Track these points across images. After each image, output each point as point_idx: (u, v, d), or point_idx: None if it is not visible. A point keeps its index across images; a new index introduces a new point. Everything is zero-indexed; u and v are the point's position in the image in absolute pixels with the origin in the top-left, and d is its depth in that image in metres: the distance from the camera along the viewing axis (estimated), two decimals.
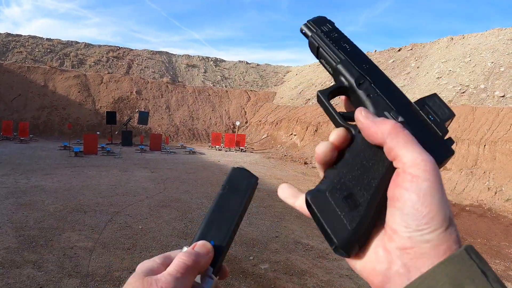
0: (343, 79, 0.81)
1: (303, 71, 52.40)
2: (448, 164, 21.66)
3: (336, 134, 0.76)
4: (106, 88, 40.58)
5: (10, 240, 9.37)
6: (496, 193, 18.64)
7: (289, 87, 49.59)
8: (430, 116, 0.73)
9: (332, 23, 0.89)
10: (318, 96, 0.82)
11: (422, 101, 0.75)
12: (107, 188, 15.99)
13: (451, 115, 0.74)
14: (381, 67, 21.51)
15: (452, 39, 34.56)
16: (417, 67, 33.78)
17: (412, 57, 36.28)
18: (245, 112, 46.00)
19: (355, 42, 0.86)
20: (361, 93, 0.78)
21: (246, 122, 44.54)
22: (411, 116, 0.73)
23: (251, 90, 49.67)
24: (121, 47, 47.74)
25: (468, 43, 32.03)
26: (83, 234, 10.14)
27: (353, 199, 0.69)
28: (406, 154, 0.63)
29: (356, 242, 0.67)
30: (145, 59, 47.77)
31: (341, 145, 0.76)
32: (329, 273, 9.14)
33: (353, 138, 0.75)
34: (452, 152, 0.69)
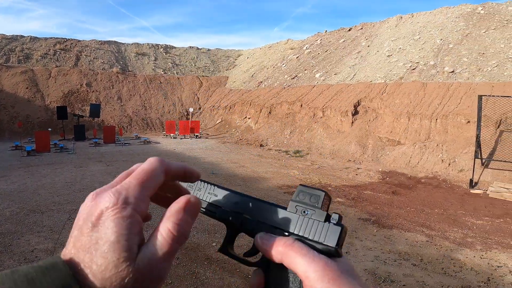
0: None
1: (254, 54, 52.37)
2: (402, 139, 22.08)
3: (251, 280, 0.83)
4: (55, 82, 39.76)
5: None
6: (449, 164, 19.07)
7: (241, 70, 49.52)
8: (306, 211, 0.79)
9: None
10: (221, 252, 0.93)
11: (293, 203, 0.82)
12: (63, 185, 15.76)
13: (320, 195, 0.80)
14: (332, 47, 21.90)
15: (401, 17, 35.04)
16: (368, 46, 34.12)
17: (362, 37, 36.62)
18: (198, 98, 45.77)
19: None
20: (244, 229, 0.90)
21: (200, 108, 44.33)
22: (291, 225, 0.80)
23: (203, 76, 49.42)
24: (68, 39, 46.81)
25: (417, 22, 32.52)
26: (43, 236, 10.00)
27: None
28: (299, 269, 0.70)
29: None
30: (94, 50, 46.95)
31: (261, 281, 0.81)
32: None
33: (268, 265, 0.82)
34: (340, 228, 0.75)
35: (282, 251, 0.74)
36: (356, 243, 10.17)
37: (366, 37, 35.92)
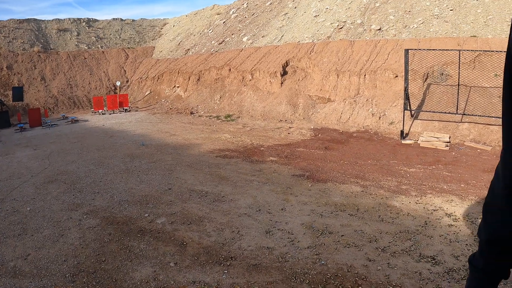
0: None
1: (180, 21, 51.65)
2: (331, 96, 22.23)
3: None
4: None
5: None
6: (380, 118, 19.31)
7: (167, 39, 48.80)
8: None
9: None
10: None
11: None
12: None
13: None
14: (259, 10, 21.71)
15: None
16: (295, 8, 33.96)
17: None
18: (125, 71, 44.83)
19: None
20: None
21: (127, 81, 43.47)
22: None
23: (129, 48, 48.41)
24: None
25: None
26: None
27: None
28: None
29: None
30: (12, 30, 45.08)
31: None
32: (227, 215, 9.12)
33: None
34: None
35: None
36: (291, 199, 10.06)
37: None
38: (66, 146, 19.75)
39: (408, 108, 17.87)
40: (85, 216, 9.64)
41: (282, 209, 9.37)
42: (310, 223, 8.47)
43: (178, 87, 34.55)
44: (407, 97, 17.65)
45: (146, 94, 38.39)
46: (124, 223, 9.02)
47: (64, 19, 50.10)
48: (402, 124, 17.61)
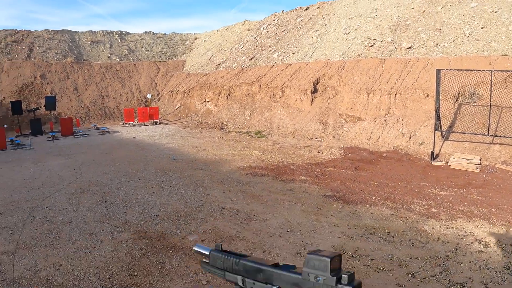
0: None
1: (211, 36, 52.02)
2: (362, 115, 22.19)
3: None
4: (8, 76, 38.74)
5: None
6: (410, 138, 19.26)
7: (198, 54, 49.15)
8: (318, 278, 0.93)
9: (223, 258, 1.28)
10: None
11: (305, 271, 0.96)
12: (21, 183, 15.33)
13: (327, 261, 0.92)
14: (289, 27, 21.83)
15: None
16: (325, 25, 34.06)
17: (319, 15, 36.55)
18: (156, 84, 45.29)
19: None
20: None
21: (158, 94, 43.91)
22: None
23: (160, 61, 48.89)
24: (20, 30, 45.61)
25: None
26: (2, 237, 9.66)
27: None
28: None
29: None
30: (47, 40, 45.90)
31: None
32: (258, 234, 9.21)
33: None
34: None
35: None
36: (322, 220, 10.14)
37: (324, 16, 35.86)
38: (97, 157, 20.10)
39: (439, 129, 17.79)
40: (117, 229, 9.85)
41: (313, 230, 9.46)
42: (341, 246, 8.54)
43: (208, 101, 34.81)
44: (438, 118, 17.59)
45: (176, 107, 38.73)
46: (156, 238, 9.18)
47: (97, 31, 50.83)
48: (432, 145, 17.52)
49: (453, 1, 26.11)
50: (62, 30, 48.66)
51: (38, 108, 33.77)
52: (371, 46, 26.72)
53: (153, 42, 53.14)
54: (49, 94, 37.28)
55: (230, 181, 14.24)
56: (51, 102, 33.47)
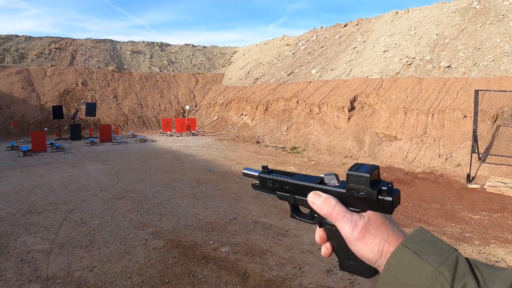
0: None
1: (250, 50, 52.32)
2: (398, 134, 22.06)
3: (316, 236, 1.21)
4: (51, 81, 39.58)
5: None
6: (446, 159, 19.07)
7: (236, 67, 49.47)
8: (360, 192, 1.05)
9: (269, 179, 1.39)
10: (292, 218, 1.31)
11: (348, 187, 1.09)
12: (59, 185, 15.75)
13: (366, 176, 1.04)
14: (328, 43, 21.94)
15: (397, 13, 34.92)
16: (364, 42, 34.04)
17: (358, 32, 36.54)
18: (194, 95, 45.74)
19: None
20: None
21: (196, 106, 44.32)
22: (353, 203, 1.09)
23: (199, 73, 49.36)
24: (63, 38, 46.62)
25: (413, 17, 32.44)
26: (39, 237, 9.97)
27: (351, 257, 1.11)
28: (338, 226, 1.08)
29: (372, 271, 1.09)
30: (89, 49, 46.79)
31: (323, 235, 1.18)
32: (290, 250, 9.25)
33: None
34: (391, 200, 1.03)
35: (326, 212, 1.09)
36: None
37: (362, 33, 35.84)
38: (134, 164, 20.44)
39: (476, 151, 17.59)
40: (151, 236, 10.06)
41: None
42: None
43: (245, 115, 35.02)
44: (475, 140, 17.41)
45: (213, 119, 39.02)
46: (189, 247, 9.34)
47: (138, 42, 51.62)
48: (469, 167, 17.32)
49: (492, 19, 25.90)
50: (104, 39, 49.58)
51: (78, 111, 34.47)
52: (410, 64, 26.61)
53: (192, 54, 53.69)
54: (90, 101, 37.99)
55: (264, 196, 14.30)
56: (91, 109, 34.13)
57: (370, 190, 1.03)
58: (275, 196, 1.34)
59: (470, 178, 17.01)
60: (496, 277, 0.87)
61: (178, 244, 9.55)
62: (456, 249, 0.94)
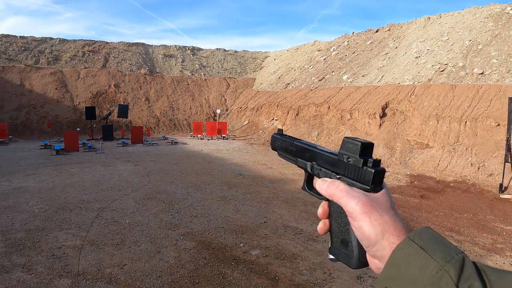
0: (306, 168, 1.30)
1: (281, 55, 52.36)
2: (430, 142, 21.84)
3: (320, 209, 1.20)
4: (84, 83, 40.17)
5: None
6: (479, 168, 18.80)
7: (268, 72, 49.53)
8: (349, 159, 1.09)
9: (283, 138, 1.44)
10: (303, 189, 1.33)
11: (340, 152, 1.13)
12: (91, 184, 15.95)
13: (358, 144, 1.08)
14: (359, 49, 21.81)
15: (429, 18, 34.62)
16: (395, 47, 33.83)
17: (390, 38, 36.33)
18: (225, 99, 45.93)
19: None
20: (314, 173, 1.27)
21: (227, 110, 44.50)
22: (341, 169, 1.12)
23: (230, 77, 49.56)
24: (97, 41, 47.27)
25: (445, 22, 32.13)
26: (70, 233, 10.11)
27: (345, 240, 1.11)
28: (342, 204, 1.07)
29: (360, 261, 1.07)
30: (122, 52, 47.34)
31: (326, 210, 1.18)
32: (320, 255, 9.21)
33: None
34: (372, 171, 1.04)
35: (331, 193, 1.10)
36: None
37: (394, 39, 35.62)
38: (165, 166, 20.58)
39: (509, 160, 17.31)
40: (181, 237, 10.11)
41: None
42: None
43: (276, 120, 35.02)
44: (508, 149, 17.12)
45: (244, 124, 39.10)
46: (219, 249, 9.36)
47: (170, 46, 52.00)
48: (501, 176, 17.06)
49: None
50: (137, 42, 50.12)
51: (110, 113, 34.87)
52: (442, 71, 26.35)
53: (224, 59, 53.94)
54: (122, 103, 38.39)
55: (295, 201, 14.29)
56: (123, 111, 34.45)
57: (357, 158, 1.06)
58: (296, 164, 1.36)
59: (503, 188, 16.74)
60: (504, 280, 0.85)
61: (209, 245, 9.58)
62: (463, 252, 0.91)
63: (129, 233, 10.23)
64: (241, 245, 9.68)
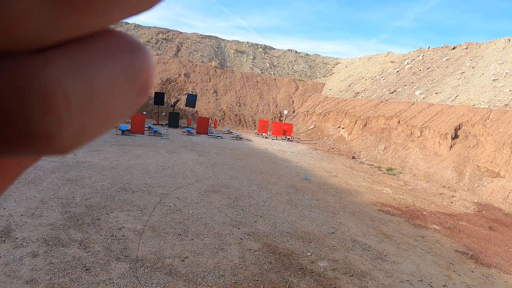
0: None
1: (353, 63, 51.87)
2: (502, 171, 21.02)
3: None
4: (155, 69, 40.68)
5: (55, 216, 9.29)
6: None
7: (338, 79, 49.15)
8: None
9: None
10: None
11: None
12: (155, 168, 16.00)
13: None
14: (434, 65, 21.40)
15: (510, 40, 33.49)
16: (472, 67, 32.87)
17: (467, 57, 35.35)
18: (293, 101, 45.78)
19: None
20: None
21: (294, 112, 44.35)
22: None
23: (300, 80, 49.41)
24: (171, 30, 47.98)
25: None
26: (132, 215, 10.03)
27: None
28: None
29: None
30: (194, 43, 47.80)
31: None
32: (389, 277, 8.89)
33: None
34: None
35: None
36: (454, 277, 9.61)
37: (471, 58, 34.62)
38: (230, 160, 20.54)
39: None
40: (246, 237, 9.88)
41: (444, 285, 8.98)
42: None
43: (343, 128, 34.58)
44: None
45: (310, 128, 38.84)
46: (285, 255, 9.10)
47: (242, 42, 52.31)
48: None
49: None
50: (210, 35, 50.58)
51: (178, 101, 35.24)
52: None
53: (294, 61, 53.85)
54: (191, 92, 38.67)
55: (362, 214, 13.93)
56: (192, 100, 34.67)
57: None
58: None
59: None
60: None
61: (275, 250, 9.32)
62: None
63: (193, 224, 10.07)
64: (309, 254, 9.40)
